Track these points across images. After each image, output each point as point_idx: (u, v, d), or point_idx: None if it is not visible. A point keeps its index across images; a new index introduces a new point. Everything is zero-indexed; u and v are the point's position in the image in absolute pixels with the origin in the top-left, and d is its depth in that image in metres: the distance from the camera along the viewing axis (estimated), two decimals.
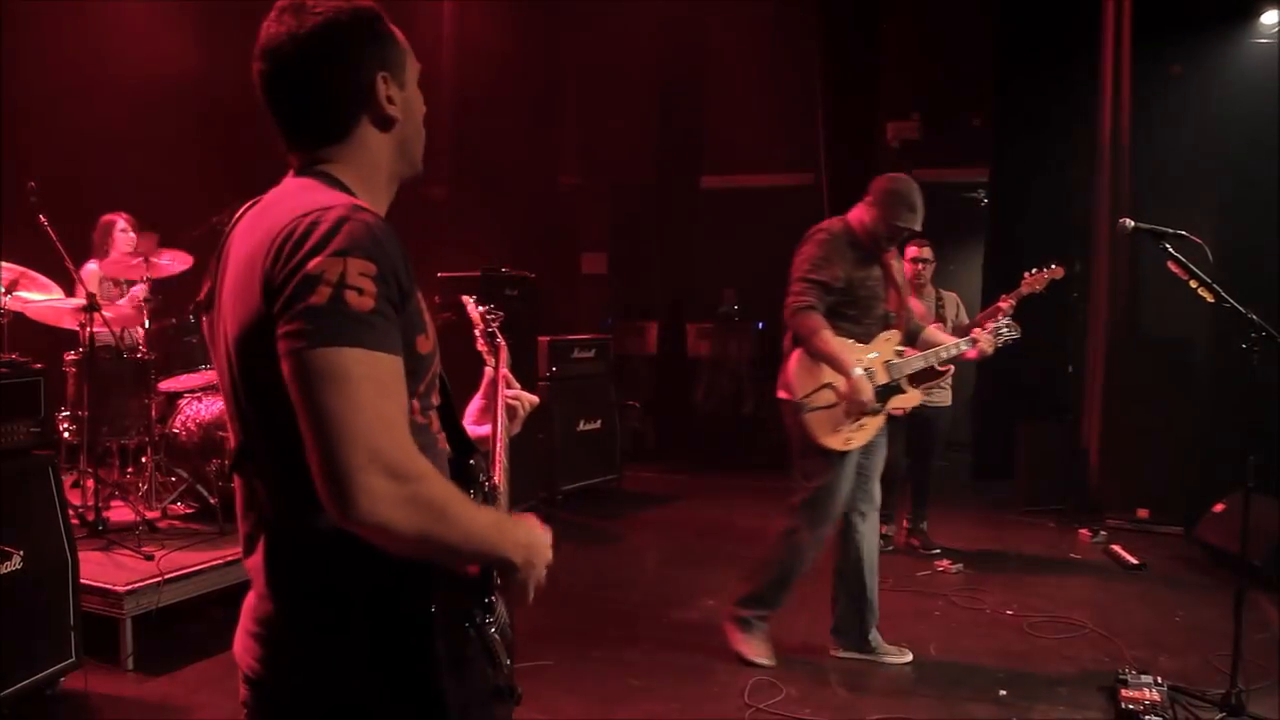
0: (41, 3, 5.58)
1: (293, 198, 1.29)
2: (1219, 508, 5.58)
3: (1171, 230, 3.48)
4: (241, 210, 1.40)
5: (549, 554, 1.36)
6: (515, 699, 1.44)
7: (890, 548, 5.83)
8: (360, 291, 1.17)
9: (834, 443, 3.90)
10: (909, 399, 4.07)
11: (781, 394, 4.00)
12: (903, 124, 8.66)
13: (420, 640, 1.26)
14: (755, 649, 4.05)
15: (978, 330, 4.28)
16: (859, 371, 3.82)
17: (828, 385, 3.89)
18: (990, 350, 4.23)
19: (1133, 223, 3.56)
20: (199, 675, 3.87)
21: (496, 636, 1.36)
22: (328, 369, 1.14)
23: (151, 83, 5.97)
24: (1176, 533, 6.22)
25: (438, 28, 8.26)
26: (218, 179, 5.89)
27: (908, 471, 5.84)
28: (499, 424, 1.71)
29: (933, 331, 4.25)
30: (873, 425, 3.97)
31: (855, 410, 3.85)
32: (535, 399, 1.85)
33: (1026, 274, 5.23)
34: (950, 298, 5.83)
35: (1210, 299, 3.40)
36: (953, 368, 5.64)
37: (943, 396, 5.71)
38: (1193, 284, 3.44)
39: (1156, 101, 6.76)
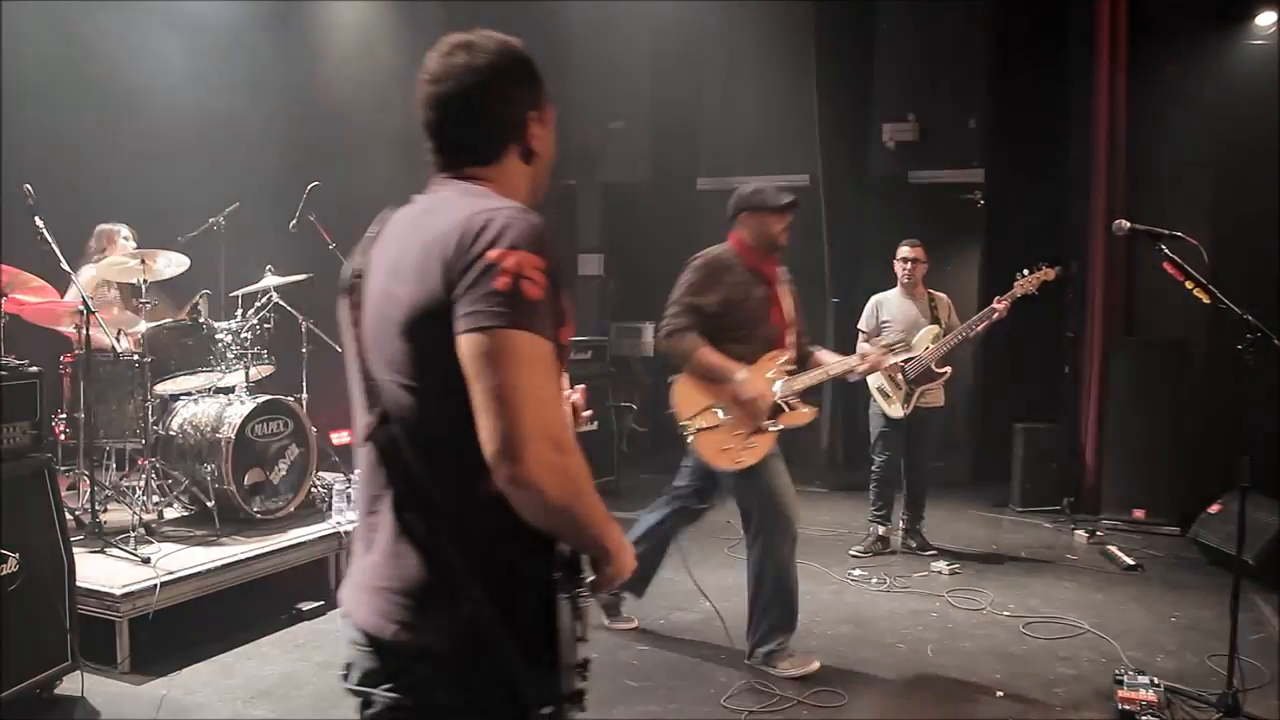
0: (39, 3, 5.57)
1: (463, 199, 1.46)
2: (1215, 508, 5.59)
3: (1167, 231, 3.49)
4: (391, 211, 1.57)
5: (634, 563, 1.51)
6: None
7: (887, 549, 5.85)
8: (532, 282, 1.33)
9: (724, 463, 3.91)
10: (797, 417, 3.98)
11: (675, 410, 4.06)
12: (899, 125, 8.66)
13: (547, 604, 1.40)
14: (799, 662, 3.95)
15: (864, 349, 4.23)
16: (742, 374, 3.84)
17: (711, 407, 3.93)
18: (885, 364, 4.19)
19: (1129, 223, 3.57)
20: (196, 678, 3.87)
21: (586, 613, 1.48)
22: (505, 348, 1.30)
23: (150, 85, 5.96)
24: (1173, 533, 6.23)
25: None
26: (215, 182, 5.90)
27: (904, 472, 5.84)
28: None
29: (823, 354, 4.22)
30: (764, 444, 3.91)
31: (754, 413, 3.84)
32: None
33: (1019, 276, 5.34)
34: (943, 300, 5.80)
35: (1206, 300, 3.41)
36: (949, 369, 5.67)
37: (939, 397, 5.71)
38: (1188, 285, 3.44)
39: (1152, 102, 6.77)
